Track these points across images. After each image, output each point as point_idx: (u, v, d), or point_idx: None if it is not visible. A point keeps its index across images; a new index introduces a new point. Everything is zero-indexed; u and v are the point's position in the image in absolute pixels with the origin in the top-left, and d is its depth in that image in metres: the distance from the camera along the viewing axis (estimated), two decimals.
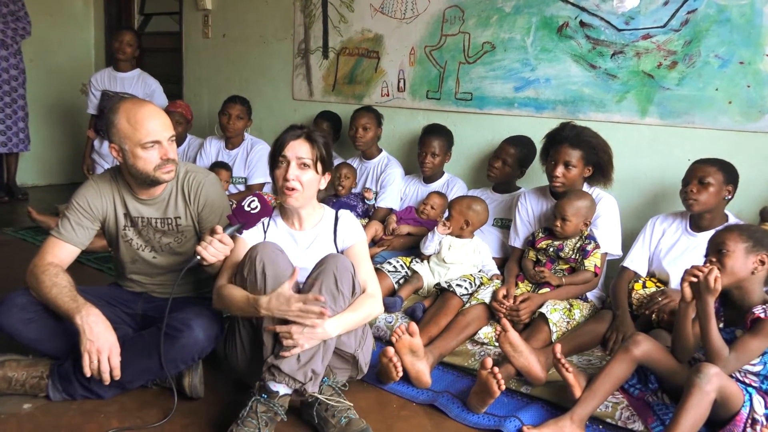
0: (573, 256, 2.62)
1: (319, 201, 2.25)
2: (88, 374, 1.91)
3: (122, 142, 2.03)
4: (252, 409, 1.83)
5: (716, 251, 1.93)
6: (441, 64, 3.66)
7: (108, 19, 5.81)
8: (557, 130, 2.74)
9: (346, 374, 2.13)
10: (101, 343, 1.90)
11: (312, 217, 2.18)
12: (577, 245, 2.62)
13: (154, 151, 2.02)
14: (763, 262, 1.90)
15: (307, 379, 1.85)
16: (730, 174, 2.48)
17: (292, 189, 2.03)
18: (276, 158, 2.06)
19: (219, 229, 1.94)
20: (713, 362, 1.82)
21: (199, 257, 1.94)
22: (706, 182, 2.44)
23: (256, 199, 2.01)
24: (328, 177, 2.14)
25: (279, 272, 1.91)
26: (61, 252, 2.10)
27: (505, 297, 2.53)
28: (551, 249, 2.66)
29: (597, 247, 2.60)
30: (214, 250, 1.93)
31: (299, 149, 2.04)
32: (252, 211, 2.00)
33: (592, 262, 2.58)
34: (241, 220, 2.01)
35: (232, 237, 2.01)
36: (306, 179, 2.04)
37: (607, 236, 2.67)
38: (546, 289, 2.58)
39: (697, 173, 2.47)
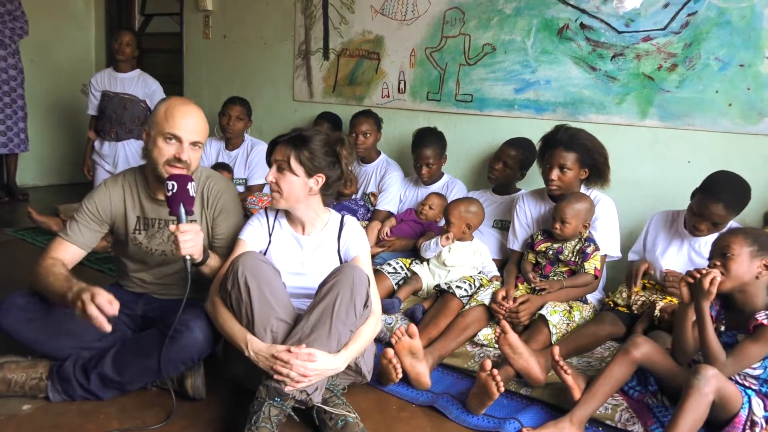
0: (573, 259, 2.62)
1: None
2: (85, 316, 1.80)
3: (152, 128, 2.08)
4: (266, 414, 1.81)
5: (721, 255, 1.91)
6: (441, 65, 3.67)
7: (109, 20, 5.82)
8: (551, 134, 2.74)
9: (349, 380, 2.14)
10: (94, 290, 1.82)
11: (316, 222, 2.18)
12: (577, 248, 2.62)
13: (171, 146, 2.04)
14: (767, 267, 1.88)
15: (312, 391, 1.86)
16: (741, 207, 2.41)
17: (272, 190, 2.08)
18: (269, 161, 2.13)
19: (172, 227, 1.94)
20: (711, 365, 1.82)
21: (188, 257, 1.94)
22: (721, 224, 2.39)
23: (169, 182, 1.96)
24: (319, 178, 2.09)
25: (263, 284, 1.91)
26: (66, 252, 2.11)
27: (504, 298, 2.53)
28: (550, 252, 2.66)
29: (596, 249, 2.61)
30: (185, 243, 1.91)
31: (278, 152, 2.07)
32: (175, 191, 1.95)
33: (592, 265, 2.58)
34: (176, 209, 1.96)
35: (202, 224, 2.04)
36: (283, 183, 2.05)
37: (606, 238, 2.68)
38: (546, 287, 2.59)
39: (712, 217, 2.36)
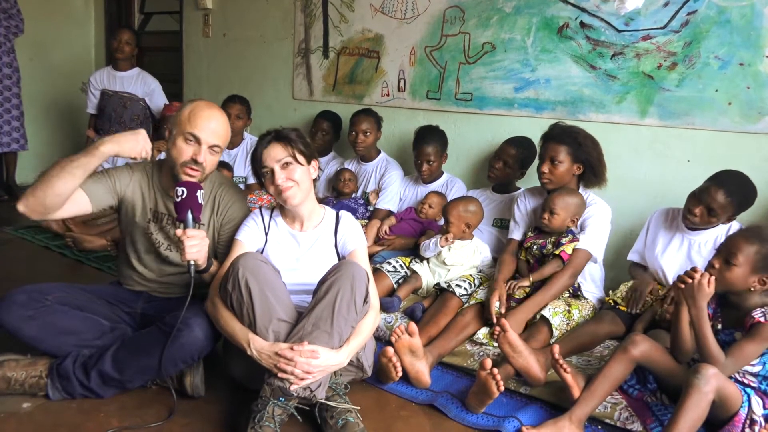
0: (552, 251, 2.61)
1: (319, 201, 2.26)
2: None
3: (174, 127, 2.10)
4: (269, 413, 1.82)
5: (725, 259, 1.90)
6: (441, 64, 3.67)
7: (108, 18, 5.82)
8: (547, 131, 2.74)
9: (350, 376, 2.14)
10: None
11: (313, 216, 2.19)
12: (555, 240, 2.61)
13: (190, 147, 2.06)
14: (763, 283, 1.87)
15: (315, 387, 1.86)
16: (740, 205, 2.42)
17: (288, 188, 2.06)
18: (260, 173, 2.12)
19: (179, 232, 1.95)
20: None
21: (192, 262, 1.96)
22: (716, 213, 2.40)
23: (178, 188, 1.98)
24: (315, 164, 2.17)
25: (264, 285, 1.91)
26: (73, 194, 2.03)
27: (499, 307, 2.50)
28: (535, 247, 2.66)
29: (574, 240, 2.58)
30: (190, 248, 1.93)
31: (275, 153, 2.07)
32: (184, 197, 1.97)
33: (561, 249, 2.55)
34: (183, 215, 1.97)
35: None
36: (296, 176, 2.08)
37: (591, 236, 2.62)
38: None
39: (709, 201, 2.38)
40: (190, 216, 1.97)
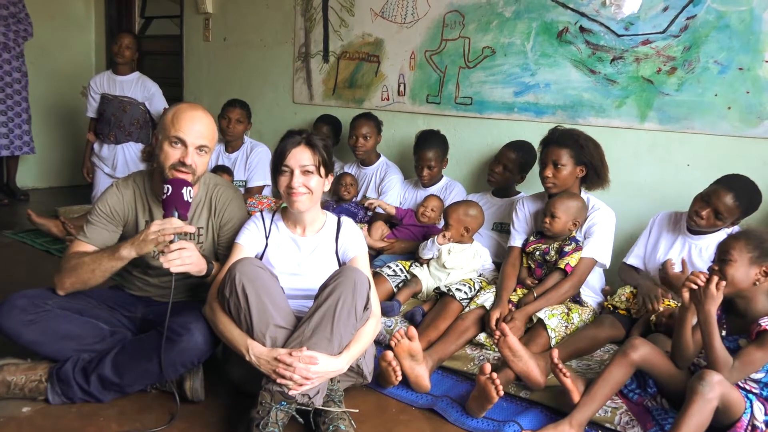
0: (555, 258, 2.61)
1: (321, 206, 2.26)
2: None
3: (159, 132, 2.10)
4: (274, 419, 1.81)
5: (720, 259, 1.91)
6: (441, 68, 3.67)
7: (109, 22, 5.83)
8: (546, 135, 2.75)
9: (350, 382, 2.14)
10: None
11: (316, 222, 2.19)
12: (558, 246, 2.61)
13: (177, 150, 2.05)
14: (766, 274, 1.87)
15: (314, 394, 1.86)
16: (746, 209, 2.43)
17: (300, 194, 2.07)
18: (279, 167, 2.09)
19: (161, 246, 1.94)
20: (716, 371, 1.81)
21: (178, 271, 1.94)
22: (722, 216, 2.41)
23: (165, 186, 1.98)
24: (331, 178, 2.18)
25: (261, 290, 1.90)
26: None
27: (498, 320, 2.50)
28: (537, 252, 2.66)
29: (577, 249, 2.58)
30: (175, 259, 1.91)
31: (301, 157, 2.07)
32: (169, 194, 1.96)
33: (565, 261, 2.55)
34: (169, 213, 1.95)
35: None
36: (312, 185, 2.08)
37: (598, 243, 2.62)
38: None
39: (717, 204, 2.40)
40: (175, 214, 1.95)
